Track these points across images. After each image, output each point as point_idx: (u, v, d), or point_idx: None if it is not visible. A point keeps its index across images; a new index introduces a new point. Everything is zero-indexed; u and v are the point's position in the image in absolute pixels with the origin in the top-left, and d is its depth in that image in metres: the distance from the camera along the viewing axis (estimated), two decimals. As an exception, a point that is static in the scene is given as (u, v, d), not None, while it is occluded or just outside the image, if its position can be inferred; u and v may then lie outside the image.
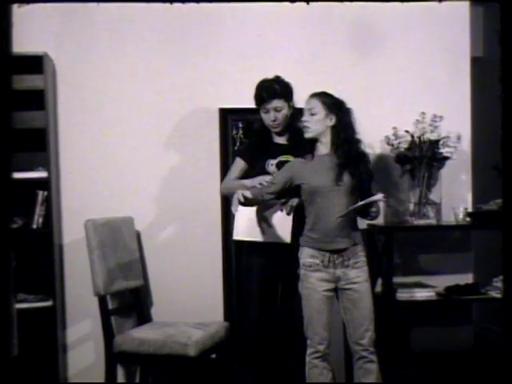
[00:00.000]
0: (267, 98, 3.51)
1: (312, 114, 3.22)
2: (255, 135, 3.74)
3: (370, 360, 3.21)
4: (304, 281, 3.25)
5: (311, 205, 3.26)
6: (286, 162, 3.49)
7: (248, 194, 3.25)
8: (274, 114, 3.53)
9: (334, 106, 3.24)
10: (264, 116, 3.57)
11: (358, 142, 3.27)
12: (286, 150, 3.56)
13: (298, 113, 3.48)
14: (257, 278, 3.56)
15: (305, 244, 3.27)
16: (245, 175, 3.61)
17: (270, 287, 3.58)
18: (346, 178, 3.20)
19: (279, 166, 3.52)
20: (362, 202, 3.12)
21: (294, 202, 3.40)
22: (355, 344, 3.24)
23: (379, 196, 3.18)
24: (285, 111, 3.54)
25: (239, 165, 3.64)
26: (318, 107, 3.22)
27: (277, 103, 3.52)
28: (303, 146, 3.33)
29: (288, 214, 3.42)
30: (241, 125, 4.20)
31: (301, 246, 3.29)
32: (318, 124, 3.22)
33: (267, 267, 3.53)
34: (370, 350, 3.21)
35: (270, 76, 3.59)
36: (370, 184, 3.29)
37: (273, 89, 3.52)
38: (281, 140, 3.64)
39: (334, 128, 3.23)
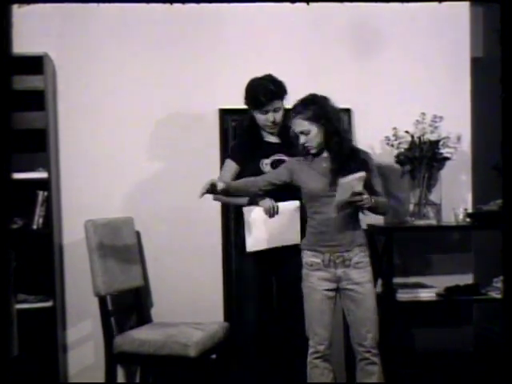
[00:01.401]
0: (267, 100, 3.46)
1: (306, 134, 3.21)
2: (245, 135, 3.71)
3: (371, 362, 3.20)
4: (305, 280, 3.25)
5: (310, 208, 3.27)
6: (281, 160, 3.50)
7: (222, 185, 3.23)
8: (273, 114, 3.51)
9: (318, 115, 3.18)
10: (261, 117, 3.52)
11: (347, 140, 3.25)
12: (279, 149, 3.54)
13: (287, 111, 3.47)
14: (251, 277, 3.56)
15: (305, 247, 3.28)
16: (237, 176, 3.58)
17: (264, 286, 3.58)
18: None
19: (274, 165, 3.51)
20: (342, 180, 3.03)
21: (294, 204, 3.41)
22: (357, 345, 3.23)
23: (358, 174, 3.05)
24: (282, 111, 3.53)
25: (231, 167, 3.57)
26: (306, 125, 3.19)
27: (276, 104, 3.49)
28: (295, 145, 3.31)
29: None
30: (233, 124, 4.19)
31: (301, 248, 3.30)
32: (315, 139, 3.21)
33: (262, 266, 3.53)
34: (373, 351, 3.20)
35: (261, 75, 3.54)
36: (373, 180, 3.24)
37: (271, 90, 3.48)
38: (272, 139, 3.61)
39: (325, 134, 3.23)
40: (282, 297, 3.61)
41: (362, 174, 3.04)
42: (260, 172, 3.49)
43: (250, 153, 3.54)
